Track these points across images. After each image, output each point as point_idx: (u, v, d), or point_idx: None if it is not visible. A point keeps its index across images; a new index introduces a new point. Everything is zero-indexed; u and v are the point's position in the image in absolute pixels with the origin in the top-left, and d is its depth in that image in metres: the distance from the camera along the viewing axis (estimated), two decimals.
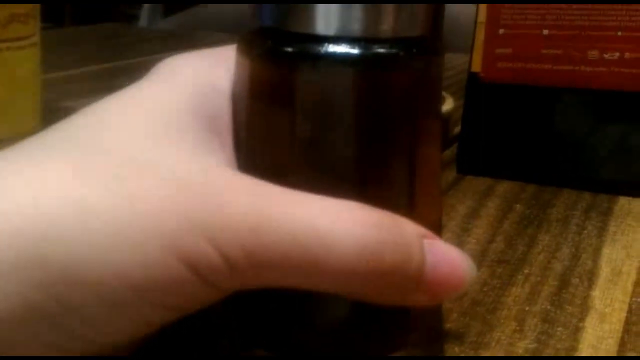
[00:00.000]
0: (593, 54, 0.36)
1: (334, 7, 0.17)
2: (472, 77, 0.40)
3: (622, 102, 0.38)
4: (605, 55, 0.36)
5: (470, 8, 0.40)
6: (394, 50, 0.18)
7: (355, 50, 0.18)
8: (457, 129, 0.44)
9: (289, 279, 0.17)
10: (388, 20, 0.18)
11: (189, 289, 0.16)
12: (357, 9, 0.17)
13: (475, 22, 0.39)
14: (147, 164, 0.17)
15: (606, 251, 0.32)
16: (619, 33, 0.36)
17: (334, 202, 0.17)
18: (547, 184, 0.40)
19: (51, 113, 0.50)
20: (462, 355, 0.24)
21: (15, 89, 0.44)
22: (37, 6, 0.44)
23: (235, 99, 0.20)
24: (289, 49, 0.18)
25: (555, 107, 0.39)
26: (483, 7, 0.39)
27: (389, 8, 0.18)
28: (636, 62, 0.36)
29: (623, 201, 0.38)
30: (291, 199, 0.17)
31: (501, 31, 0.38)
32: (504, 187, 0.40)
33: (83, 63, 0.72)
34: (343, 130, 0.19)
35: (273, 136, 0.19)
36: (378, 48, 0.18)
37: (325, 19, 0.17)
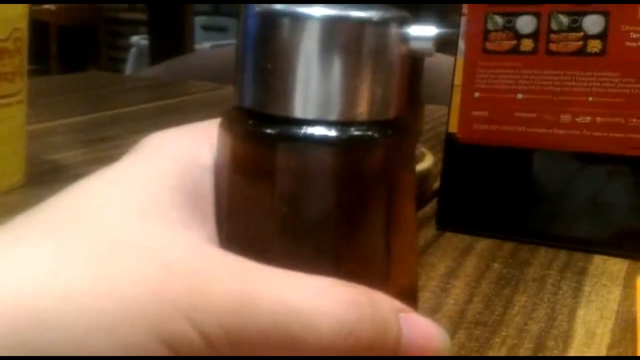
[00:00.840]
0: (565, 117, 0.38)
1: (312, 94, 0.18)
2: (450, 137, 0.41)
3: (595, 163, 0.39)
4: (577, 119, 0.38)
5: (449, 61, 0.41)
6: (369, 133, 0.19)
7: (332, 133, 0.18)
8: (437, 184, 0.45)
9: (268, 355, 0.17)
10: (363, 105, 0.19)
11: None
12: (334, 96, 0.18)
13: (452, 84, 0.40)
14: (130, 244, 0.17)
15: (581, 313, 0.33)
16: (590, 98, 0.37)
17: (312, 279, 0.18)
18: (524, 241, 0.41)
19: (35, 166, 0.51)
20: None
21: (0, 145, 0.45)
22: (24, 64, 0.44)
23: (217, 174, 0.21)
24: (269, 131, 0.19)
25: (531, 166, 0.40)
26: (459, 71, 0.40)
27: (364, 95, 0.18)
28: (607, 125, 0.37)
29: (598, 260, 0.39)
30: (270, 278, 0.18)
31: (477, 94, 0.39)
32: (481, 245, 0.41)
33: (69, 113, 0.73)
34: (320, 206, 0.19)
35: (253, 211, 0.20)
36: (354, 131, 0.19)
37: (304, 103, 0.18)
